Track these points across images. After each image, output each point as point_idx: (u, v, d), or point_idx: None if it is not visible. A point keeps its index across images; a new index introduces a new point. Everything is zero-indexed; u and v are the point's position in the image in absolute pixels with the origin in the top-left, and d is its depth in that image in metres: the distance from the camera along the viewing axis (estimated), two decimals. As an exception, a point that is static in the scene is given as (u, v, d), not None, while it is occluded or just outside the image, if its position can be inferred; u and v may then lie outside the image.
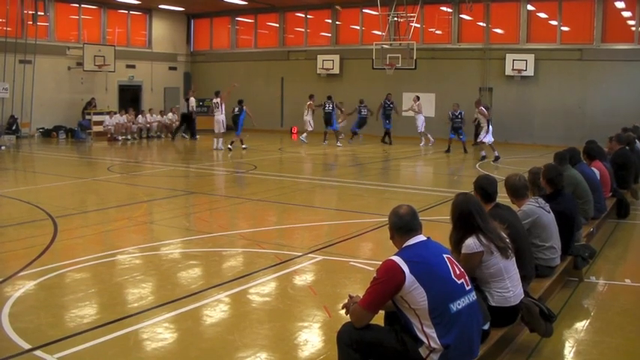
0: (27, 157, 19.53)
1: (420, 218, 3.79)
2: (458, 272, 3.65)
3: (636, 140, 11.87)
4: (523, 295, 4.49)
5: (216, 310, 5.70)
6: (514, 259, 4.42)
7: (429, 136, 22.47)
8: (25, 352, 4.60)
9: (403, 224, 3.70)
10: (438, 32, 25.65)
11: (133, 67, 27.88)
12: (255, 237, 8.61)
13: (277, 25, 29.01)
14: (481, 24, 24.31)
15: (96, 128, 23.77)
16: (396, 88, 24.25)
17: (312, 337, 5.11)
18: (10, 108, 23.11)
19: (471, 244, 4.24)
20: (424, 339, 3.51)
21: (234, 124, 20.83)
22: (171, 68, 29.92)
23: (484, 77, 23.97)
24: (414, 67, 23.43)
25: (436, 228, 7.56)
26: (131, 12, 28.21)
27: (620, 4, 21.72)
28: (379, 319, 3.81)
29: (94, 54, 25.23)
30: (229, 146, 19.83)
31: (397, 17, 23.93)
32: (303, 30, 28.47)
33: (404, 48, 23.47)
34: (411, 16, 23.30)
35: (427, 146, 22.21)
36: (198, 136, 24.38)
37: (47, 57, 24.14)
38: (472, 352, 3.65)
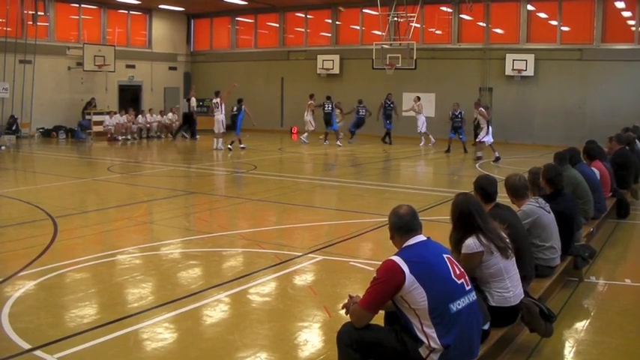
0: (27, 157, 19.53)
1: (420, 218, 3.79)
2: (458, 272, 3.65)
3: (636, 140, 11.86)
4: (523, 295, 4.49)
5: (216, 310, 5.70)
6: (514, 259, 4.42)
7: (430, 136, 22.47)
8: (25, 352, 4.60)
9: (403, 224, 3.70)
10: (438, 32, 25.64)
11: (133, 67, 27.88)
12: (255, 237, 8.61)
13: (277, 25, 29.00)
14: (481, 24, 24.31)
15: (96, 128, 23.77)
16: (396, 88, 24.25)
17: (312, 337, 5.11)
18: (10, 108, 23.11)
19: (471, 244, 4.24)
20: (424, 339, 3.51)
21: (232, 123, 20.83)
22: (171, 68, 29.92)
23: (484, 77, 23.97)
24: (414, 67, 23.43)
25: (436, 228, 7.56)
26: (131, 12, 28.20)
27: (620, 4, 21.72)
28: (379, 319, 3.81)
29: (94, 54, 25.22)
30: (229, 146, 19.84)
31: (397, 17, 23.94)
32: (303, 30, 28.47)
33: (404, 48, 23.47)
34: (411, 16, 23.30)
35: (427, 146, 22.21)
36: (198, 136, 24.40)
37: (47, 57, 24.13)
38: (472, 352, 3.65)
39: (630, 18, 22.02)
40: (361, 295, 3.70)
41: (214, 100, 20.76)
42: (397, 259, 3.54)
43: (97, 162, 18.12)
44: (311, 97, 23.17)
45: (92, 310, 5.58)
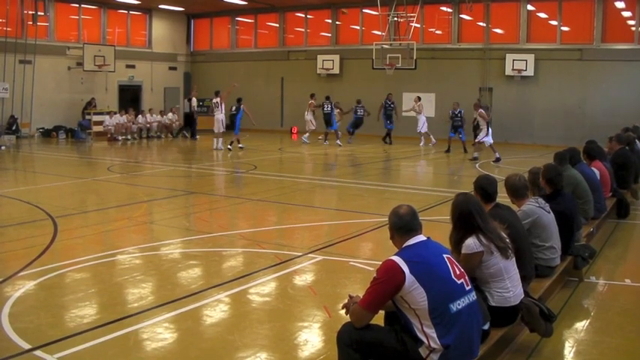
0: (27, 157, 19.53)
1: (420, 218, 3.79)
2: (458, 272, 3.65)
3: (636, 140, 11.86)
4: (523, 295, 4.49)
5: (216, 310, 5.70)
6: (514, 259, 4.42)
7: (431, 136, 22.45)
8: (25, 352, 4.60)
9: (403, 224, 3.70)
10: (438, 32, 25.65)
11: (133, 67, 27.88)
12: (255, 237, 8.61)
13: (277, 25, 29.01)
14: (481, 24, 24.32)
15: (96, 128, 23.78)
16: (396, 88, 24.25)
17: (312, 337, 5.11)
18: (10, 108, 23.12)
19: (471, 244, 4.24)
20: (424, 339, 3.51)
21: (231, 123, 20.84)
22: (171, 68, 29.92)
23: (484, 77, 23.97)
24: (414, 67, 23.43)
25: (436, 228, 7.56)
26: (131, 12, 28.21)
27: (620, 4, 21.73)
28: (379, 319, 3.81)
29: (94, 54, 25.23)
30: (229, 146, 19.85)
31: (397, 17, 23.94)
32: (303, 30, 28.47)
33: (404, 48, 23.47)
34: (411, 16, 23.30)
35: (427, 146, 22.21)
36: (198, 136, 24.40)
37: (47, 57, 24.14)
38: (472, 352, 3.65)
39: (630, 18, 22.03)
40: (361, 295, 3.70)
41: (214, 100, 20.77)
42: (397, 259, 3.54)
43: (97, 162, 18.12)
44: (312, 96, 23.16)
45: (92, 310, 5.58)
